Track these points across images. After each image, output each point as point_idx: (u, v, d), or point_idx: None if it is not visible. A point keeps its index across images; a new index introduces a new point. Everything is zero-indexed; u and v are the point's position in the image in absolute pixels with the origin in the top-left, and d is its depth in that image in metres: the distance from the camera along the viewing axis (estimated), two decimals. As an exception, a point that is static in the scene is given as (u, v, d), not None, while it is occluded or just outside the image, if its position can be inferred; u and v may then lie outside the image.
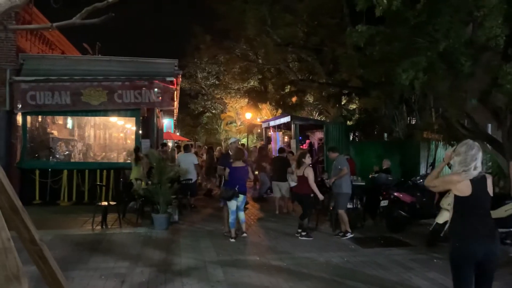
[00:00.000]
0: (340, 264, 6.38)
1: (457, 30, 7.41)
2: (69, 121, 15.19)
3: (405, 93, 12.04)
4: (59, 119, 14.73)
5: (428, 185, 4.02)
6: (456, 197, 3.58)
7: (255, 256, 6.72)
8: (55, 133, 14.35)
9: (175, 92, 13.55)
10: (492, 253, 3.47)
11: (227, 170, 8.14)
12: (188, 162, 11.13)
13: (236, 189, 7.83)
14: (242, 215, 8.14)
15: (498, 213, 6.33)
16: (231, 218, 7.91)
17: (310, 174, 8.11)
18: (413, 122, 15.15)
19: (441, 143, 12.68)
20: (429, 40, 8.02)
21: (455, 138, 11.63)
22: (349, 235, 8.02)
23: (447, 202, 6.93)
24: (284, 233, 8.49)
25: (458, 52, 7.96)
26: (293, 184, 11.42)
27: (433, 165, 11.08)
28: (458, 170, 3.56)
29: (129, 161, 12.69)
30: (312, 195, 8.19)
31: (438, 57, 8.16)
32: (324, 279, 5.64)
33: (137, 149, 10.94)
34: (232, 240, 7.75)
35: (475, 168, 3.50)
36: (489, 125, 10.77)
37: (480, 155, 3.54)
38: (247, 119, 27.65)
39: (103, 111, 12.36)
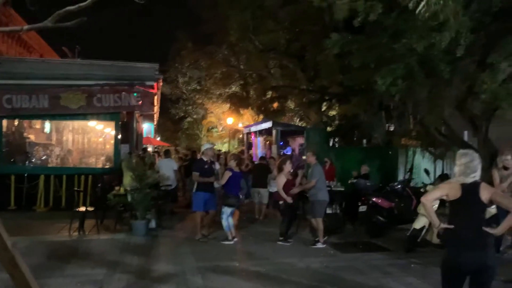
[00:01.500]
0: (319, 269, 6.40)
1: (433, 37, 7.56)
2: (47, 126, 14.89)
3: (384, 100, 12.21)
4: (37, 123, 14.44)
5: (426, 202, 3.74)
6: (449, 203, 3.61)
7: (235, 262, 6.70)
8: (32, 137, 14.05)
9: (156, 96, 13.45)
10: (484, 265, 3.40)
11: (229, 174, 8.13)
12: (168, 168, 11.04)
13: (239, 195, 8.44)
14: (231, 220, 8.16)
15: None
16: (228, 222, 8.04)
17: (279, 180, 8.26)
18: (392, 128, 15.37)
19: (419, 149, 12.91)
20: (408, 47, 8.17)
21: (432, 145, 11.87)
22: (319, 245, 7.83)
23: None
24: (264, 238, 8.48)
25: (437, 58, 8.14)
26: (273, 190, 11.48)
27: (411, 170, 11.24)
28: (457, 179, 3.58)
29: (107, 166, 12.53)
30: (291, 201, 8.22)
31: (416, 64, 8.32)
32: (303, 285, 5.65)
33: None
34: (230, 242, 7.91)
35: (473, 178, 3.52)
36: (465, 132, 11.00)
37: (480, 166, 3.55)
38: (229, 124, 27.65)
39: (82, 115, 12.18)
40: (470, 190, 3.50)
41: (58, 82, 11.63)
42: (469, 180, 3.51)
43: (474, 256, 3.41)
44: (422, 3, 6.86)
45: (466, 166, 3.54)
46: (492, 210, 6.29)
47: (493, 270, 3.48)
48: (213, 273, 6.10)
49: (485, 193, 3.48)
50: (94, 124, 14.50)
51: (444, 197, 3.64)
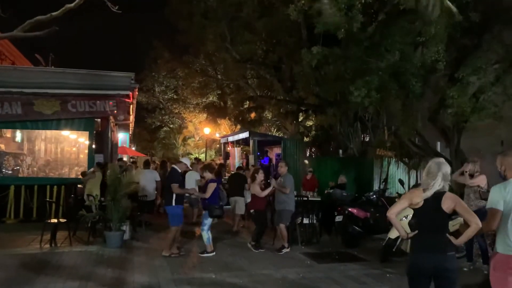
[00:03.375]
0: (296, 280, 6.40)
1: (407, 52, 7.78)
2: (18, 134, 14.51)
3: (360, 111, 12.43)
4: (7, 132, 14.05)
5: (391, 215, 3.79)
6: (414, 211, 3.70)
7: (211, 274, 6.63)
8: (2, 146, 13.65)
9: (131, 105, 13.30)
10: (442, 267, 3.53)
11: (214, 186, 7.97)
12: (148, 179, 10.91)
13: (222, 204, 8.31)
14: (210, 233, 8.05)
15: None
16: (209, 234, 7.90)
17: (253, 189, 8.50)
18: (367, 139, 15.62)
19: (394, 159, 13.15)
20: (381, 60, 8.37)
21: (406, 155, 12.12)
22: (285, 250, 8.11)
23: (399, 218, 7.14)
24: (241, 249, 8.44)
25: (409, 73, 8.35)
26: (249, 200, 11.48)
27: (385, 181, 11.43)
28: (423, 186, 3.67)
29: (81, 177, 12.27)
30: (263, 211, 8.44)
31: (390, 77, 8.52)
32: (280, 296, 5.63)
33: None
34: (210, 254, 7.80)
35: (433, 186, 3.59)
36: (438, 143, 11.28)
37: (440, 174, 3.62)
38: (206, 134, 27.53)
39: (56, 123, 11.93)
40: (431, 199, 3.60)
41: (30, 90, 11.36)
42: (429, 192, 3.59)
43: (434, 259, 3.54)
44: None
45: (427, 173, 3.66)
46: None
47: (453, 273, 3.59)
48: (189, 286, 6.02)
49: (447, 203, 3.57)
50: (67, 133, 14.22)
51: (413, 202, 3.73)
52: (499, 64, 8.51)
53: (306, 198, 9.54)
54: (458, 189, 7.58)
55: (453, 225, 6.75)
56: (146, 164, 11.94)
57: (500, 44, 8.47)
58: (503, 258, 3.62)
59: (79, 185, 10.85)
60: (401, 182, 9.60)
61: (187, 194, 9.39)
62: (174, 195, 7.74)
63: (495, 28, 8.61)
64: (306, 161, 12.39)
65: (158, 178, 11.37)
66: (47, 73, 12.70)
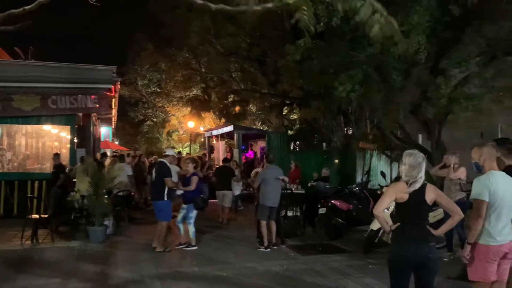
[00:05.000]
0: (280, 272, 6.45)
1: (388, 44, 7.81)
2: (-3, 129, 14.23)
3: (343, 104, 12.49)
4: (-14, 127, 13.76)
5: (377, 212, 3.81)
6: (396, 203, 3.76)
7: (195, 268, 6.63)
8: (-19, 141, 13.37)
9: (114, 99, 13.15)
10: (425, 257, 3.60)
11: (197, 179, 7.95)
12: (122, 173, 10.81)
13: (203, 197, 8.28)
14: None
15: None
16: (193, 227, 7.88)
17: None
18: (350, 132, 15.74)
19: (376, 152, 13.28)
20: (365, 54, 8.41)
21: (388, 148, 12.25)
22: (262, 249, 7.80)
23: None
24: (225, 242, 8.46)
25: (391, 66, 8.41)
26: (237, 192, 11.48)
27: (368, 173, 11.55)
28: (404, 179, 3.72)
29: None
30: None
31: (373, 70, 8.58)
32: (264, 288, 5.67)
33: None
34: (194, 247, 7.80)
35: (420, 178, 3.66)
36: (420, 135, 11.43)
37: (424, 165, 3.70)
38: (190, 128, 27.37)
39: (36, 118, 11.72)
40: (416, 193, 3.66)
41: (9, 84, 11.12)
42: (418, 184, 3.66)
43: (417, 249, 3.62)
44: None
45: (411, 166, 3.69)
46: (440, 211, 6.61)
47: (435, 263, 3.68)
48: (173, 280, 6.02)
49: (430, 195, 3.68)
50: (48, 128, 13.99)
51: (397, 196, 3.78)
52: (480, 57, 8.64)
53: (290, 191, 9.59)
54: (438, 181, 7.71)
55: (433, 216, 6.90)
56: (121, 158, 11.86)
57: (481, 37, 8.59)
58: (484, 248, 3.70)
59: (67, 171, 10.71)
60: (383, 174, 9.72)
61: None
62: (166, 190, 7.68)
63: (475, 21, 8.73)
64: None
65: (130, 173, 11.27)
66: (26, 67, 12.45)
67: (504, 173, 3.89)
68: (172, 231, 8.59)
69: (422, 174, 3.68)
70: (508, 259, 3.77)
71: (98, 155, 13.72)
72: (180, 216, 7.99)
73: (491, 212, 3.70)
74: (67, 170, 10.87)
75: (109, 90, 11.88)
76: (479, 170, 3.97)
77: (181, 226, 7.98)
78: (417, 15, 7.52)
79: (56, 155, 10.95)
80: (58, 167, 10.50)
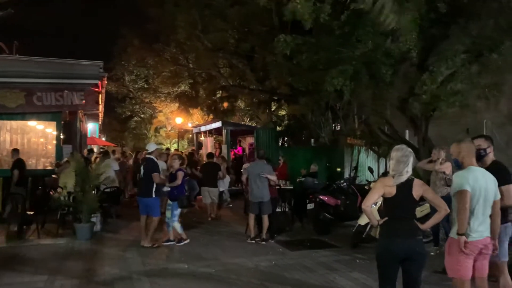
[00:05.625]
0: (268, 268, 6.46)
1: (378, 41, 7.85)
2: (-19, 125, 13.98)
3: (331, 100, 12.54)
4: (-31, 123, 13.51)
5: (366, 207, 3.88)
6: (384, 198, 3.79)
7: (183, 264, 6.61)
8: (-35, 138, 13.13)
9: (100, 95, 13.00)
10: (413, 251, 3.65)
11: (182, 175, 7.95)
12: (109, 169, 10.70)
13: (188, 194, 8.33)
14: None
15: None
16: (180, 223, 7.94)
17: None
18: (338, 128, 15.82)
19: (363, 148, 13.38)
20: (353, 51, 8.44)
21: (376, 144, 12.34)
22: (249, 241, 8.07)
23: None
24: (214, 238, 8.45)
25: (379, 62, 8.46)
26: (222, 188, 11.46)
27: (356, 169, 11.62)
28: (391, 174, 3.76)
29: (49, 168, 11.97)
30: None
31: (362, 66, 8.61)
32: (252, 284, 5.67)
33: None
34: (187, 241, 7.86)
35: (406, 172, 3.71)
36: (407, 131, 11.53)
37: (411, 160, 3.74)
38: (178, 124, 27.21)
39: (21, 115, 11.54)
40: (403, 189, 3.71)
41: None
42: (404, 178, 3.70)
43: (404, 242, 3.66)
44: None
45: (398, 160, 3.73)
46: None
47: (422, 257, 3.73)
48: (161, 277, 5.99)
49: (417, 190, 3.72)
50: (34, 124, 13.81)
51: (384, 191, 3.82)
52: (466, 54, 8.73)
53: (278, 187, 9.60)
54: (425, 177, 7.78)
55: (420, 211, 6.98)
56: (106, 154, 11.77)
57: (467, 35, 8.68)
58: (458, 243, 3.74)
59: (53, 175, 10.54)
60: (370, 169, 9.79)
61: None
62: (154, 186, 7.65)
63: (462, 19, 8.81)
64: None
65: (116, 168, 11.17)
66: (11, 61, 12.25)
67: (483, 169, 3.93)
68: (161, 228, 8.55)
69: (408, 169, 3.72)
70: (484, 254, 3.81)
71: (85, 152, 13.61)
72: (169, 213, 7.98)
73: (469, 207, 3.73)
74: (54, 166, 10.73)
75: (96, 85, 11.75)
76: (459, 166, 4.01)
77: (170, 222, 7.97)
78: (409, 14, 7.55)
79: (15, 151, 10.52)
80: (15, 163, 10.11)
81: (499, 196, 3.92)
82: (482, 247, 3.77)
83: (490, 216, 3.88)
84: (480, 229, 3.76)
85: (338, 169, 11.93)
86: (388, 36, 8.62)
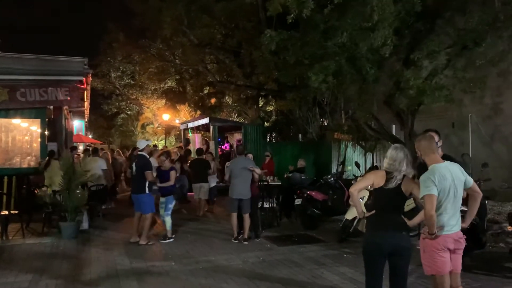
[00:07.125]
0: (256, 264, 6.45)
1: (360, 36, 7.85)
2: (-37, 123, 13.71)
3: (318, 96, 12.55)
4: (-49, 121, 13.24)
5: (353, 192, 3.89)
6: (372, 191, 3.81)
7: (171, 262, 6.56)
8: None
9: (85, 92, 12.85)
10: (399, 245, 3.67)
11: (175, 174, 8.04)
12: (95, 167, 10.60)
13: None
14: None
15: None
16: (170, 219, 7.94)
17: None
18: (326, 123, 15.87)
19: (350, 143, 13.44)
20: (338, 45, 8.44)
21: (363, 139, 12.40)
22: (233, 240, 7.86)
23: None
24: (202, 235, 8.41)
25: (364, 58, 8.47)
26: (213, 184, 11.41)
27: (343, 163, 11.67)
28: (385, 168, 3.79)
29: (33, 166, 11.79)
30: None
31: (346, 62, 8.62)
32: (240, 281, 5.66)
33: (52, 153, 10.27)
34: (171, 239, 7.86)
35: (400, 172, 3.71)
36: (393, 126, 11.60)
37: (406, 159, 3.74)
38: (165, 120, 27.03)
39: (5, 111, 11.35)
40: (394, 182, 3.72)
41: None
42: (396, 175, 3.70)
43: (392, 237, 3.69)
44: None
45: (392, 159, 3.75)
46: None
47: (408, 251, 3.75)
48: (149, 274, 5.95)
49: (407, 186, 3.73)
50: (18, 122, 13.59)
51: (369, 187, 3.83)
52: (451, 48, 8.80)
53: (266, 183, 9.60)
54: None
55: (407, 205, 7.01)
56: (94, 152, 11.62)
57: (452, 28, 8.74)
58: (429, 240, 3.73)
59: (40, 175, 10.39)
60: (357, 164, 9.83)
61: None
62: (147, 182, 7.64)
63: (447, 13, 8.87)
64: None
65: (104, 167, 11.07)
66: (-7, 58, 12.01)
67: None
68: (158, 225, 8.55)
69: (402, 168, 3.72)
70: (456, 249, 3.79)
71: (68, 150, 13.41)
72: (162, 211, 7.98)
73: (438, 206, 3.68)
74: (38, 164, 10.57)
75: (81, 82, 11.59)
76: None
77: (164, 216, 7.97)
78: (388, 7, 7.54)
79: None
80: None
81: (471, 182, 3.82)
82: (454, 242, 3.75)
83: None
84: (451, 222, 3.73)
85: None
86: (373, 31, 8.64)
